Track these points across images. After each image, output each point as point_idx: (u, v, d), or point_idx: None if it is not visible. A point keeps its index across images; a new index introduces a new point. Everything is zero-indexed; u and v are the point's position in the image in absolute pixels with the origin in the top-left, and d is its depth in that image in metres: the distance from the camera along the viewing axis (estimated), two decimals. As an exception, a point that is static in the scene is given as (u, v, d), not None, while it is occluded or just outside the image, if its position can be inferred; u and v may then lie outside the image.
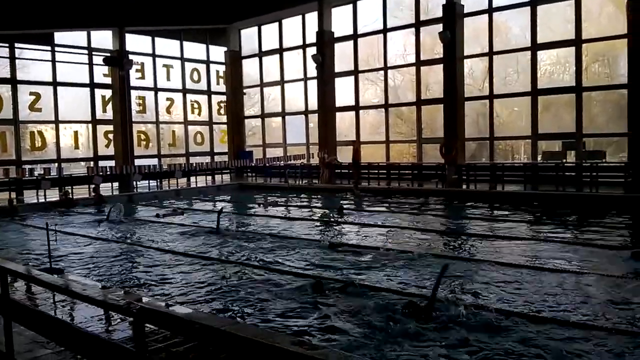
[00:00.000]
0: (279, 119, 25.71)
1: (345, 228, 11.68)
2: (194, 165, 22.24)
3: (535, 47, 17.98)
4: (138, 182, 20.01)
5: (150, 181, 20.58)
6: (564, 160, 17.01)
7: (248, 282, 7.14)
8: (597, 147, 17.47)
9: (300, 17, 23.83)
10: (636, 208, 12.62)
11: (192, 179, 22.56)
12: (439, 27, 19.10)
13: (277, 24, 24.71)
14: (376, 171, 20.75)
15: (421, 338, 5.06)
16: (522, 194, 15.32)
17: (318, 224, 12.24)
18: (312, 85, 23.49)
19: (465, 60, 19.51)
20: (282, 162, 22.68)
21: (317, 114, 23.06)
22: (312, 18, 23.07)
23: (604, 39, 16.98)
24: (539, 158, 17.98)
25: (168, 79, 24.46)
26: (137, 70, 23.10)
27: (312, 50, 22.92)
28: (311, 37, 23.19)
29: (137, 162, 21.64)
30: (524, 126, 18.70)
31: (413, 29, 20.73)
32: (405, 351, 4.82)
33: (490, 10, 18.68)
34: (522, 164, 19.05)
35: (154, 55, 23.89)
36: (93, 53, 21.84)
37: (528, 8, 17.89)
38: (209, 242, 10.07)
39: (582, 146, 16.97)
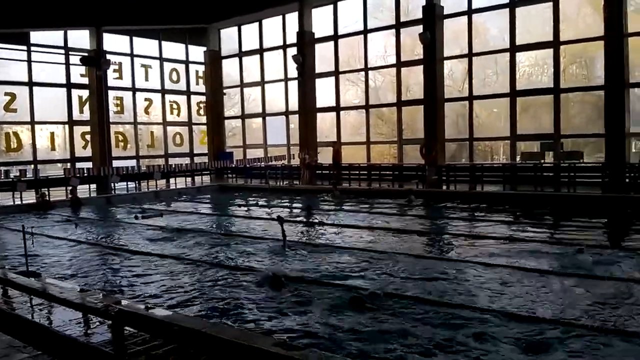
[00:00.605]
0: (260, 119, 25.61)
1: (301, 228, 11.87)
2: (173, 166, 22.01)
3: (514, 48, 18.17)
4: (116, 184, 19.76)
5: (129, 183, 20.34)
6: (542, 161, 17.22)
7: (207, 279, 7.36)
8: (575, 148, 17.72)
9: (280, 17, 23.77)
10: (613, 207, 12.81)
11: (172, 180, 22.35)
12: (419, 28, 19.21)
13: (257, 24, 24.62)
14: (357, 172, 20.79)
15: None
16: (500, 194, 15.46)
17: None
18: (293, 85, 23.45)
19: (445, 62, 19.65)
20: (262, 163, 22.60)
21: (297, 115, 23.03)
22: (292, 18, 23.03)
23: (581, 40, 17.25)
24: (518, 159, 18.18)
25: (146, 79, 24.19)
26: (114, 71, 22.80)
27: (292, 51, 22.89)
28: (292, 38, 23.15)
29: (115, 163, 21.35)
30: (503, 127, 18.90)
31: (393, 30, 20.82)
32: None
33: (470, 12, 18.84)
34: (501, 164, 19.25)
35: (132, 55, 23.62)
36: (70, 53, 21.50)
37: (507, 10, 18.08)
38: (189, 244, 9.97)
39: (560, 147, 17.20)
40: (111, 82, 22.43)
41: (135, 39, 23.56)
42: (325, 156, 22.10)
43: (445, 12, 19.27)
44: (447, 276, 7.15)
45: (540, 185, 15.92)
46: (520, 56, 18.60)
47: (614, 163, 15.53)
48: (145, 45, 24.14)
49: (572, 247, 8.48)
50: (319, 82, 22.88)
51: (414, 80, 20.78)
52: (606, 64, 15.90)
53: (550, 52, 17.60)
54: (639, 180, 14.61)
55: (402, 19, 20.54)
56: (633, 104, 16.43)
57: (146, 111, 24.47)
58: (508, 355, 4.65)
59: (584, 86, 17.84)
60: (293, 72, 23.14)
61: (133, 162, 22.78)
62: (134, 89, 23.73)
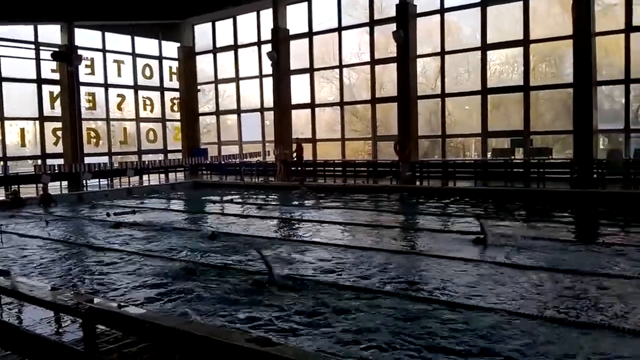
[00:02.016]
0: (234, 116, 25.52)
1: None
2: (147, 163, 21.80)
3: (485, 47, 18.47)
4: (88, 181, 19.49)
5: (101, 180, 20.07)
6: (513, 157, 17.56)
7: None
8: (544, 145, 18.08)
9: (255, 13, 23.70)
10: (581, 202, 13.14)
11: (145, 177, 22.11)
12: (393, 26, 19.37)
13: (231, 20, 24.51)
14: (332, 168, 20.88)
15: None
16: (472, 190, 15.72)
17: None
18: (268, 82, 23.42)
19: (418, 60, 19.86)
20: (237, 159, 22.52)
21: (272, 112, 23.02)
22: (267, 15, 22.98)
23: (550, 39, 17.60)
24: (489, 155, 18.48)
25: (119, 74, 23.91)
26: (86, 66, 22.51)
27: (267, 48, 22.84)
28: (266, 34, 23.10)
29: (87, 160, 21.09)
30: (475, 124, 19.18)
31: (367, 28, 20.95)
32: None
33: (442, 11, 19.06)
34: (473, 160, 19.53)
35: (104, 51, 23.30)
36: (40, 48, 21.12)
37: (478, 9, 18.36)
38: (160, 241, 9.92)
39: (530, 143, 17.55)
40: (83, 77, 22.13)
41: (107, 34, 23.27)
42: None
43: (418, 10, 19.47)
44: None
45: (511, 181, 16.22)
46: (491, 54, 18.90)
47: (582, 159, 15.90)
48: (118, 41, 23.86)
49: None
50: (293, 78, 22.90)
51: (388, 78, 20.94)
52: (574, 62, 16.26)
53: (520, 50, 17.94)
54: (607, 176, 14.98)
55: (376, 17, 20.68)
56: (600, 101, 16.86)
57: (119, 107, 24.19)
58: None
59: (553, 84, 18.18)
60: (268, 68, 23.11)
61: (105, 159, 22.51)
62: (106, 85, 23.42)
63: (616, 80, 16.62)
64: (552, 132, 18.91)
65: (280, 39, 22.32)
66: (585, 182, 15.26)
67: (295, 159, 20.83)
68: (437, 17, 19.24)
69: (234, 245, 9.20)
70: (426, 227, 10.68)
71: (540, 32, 17.61)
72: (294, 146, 21.14)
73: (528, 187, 15.49)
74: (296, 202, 15.67)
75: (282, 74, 22.42)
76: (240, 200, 16.60)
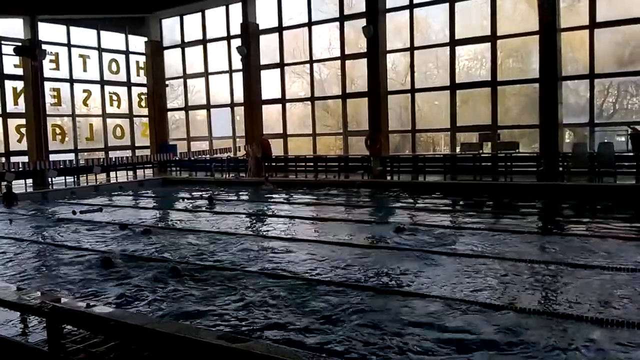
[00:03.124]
0: (204, 111, 25.25)
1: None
2: (114, 159, 21.41)
3: (453, 42, 18.65)
4: (53, 179, 19.07)
5: (67, 177, 19.65)
6: (481, 151, 17.81)
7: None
8: (512, 139, 18.38)
9: (224, 7, 23.44)
10: (547, 195, 13.41)
11: (112, 174, 21.74)
12: (363, 21, 19.40)
13: (200, 14, 24.20)
14: (303, 164, 20.88)
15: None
16: (442, 184, 15.91)
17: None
18: (238, 77, 23.22)
19: (388, 55, 19.95)
20: (208, 155, 22.31)
21: (243, 107, 22.85)
22: (236, 9, 22.75)
23: (517, 35, 17.86)
24: (458, 149, 18.71)
25: (85, 69, 23.40)
26: (51, 61, 21.94)
27: (236, 42, 22.64)
28: (236, 29, 22.89)
29: (52, 157, 20.56)
30: (444, 119, 19.38)
31: (337, 23, 20.94)
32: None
33: (412, 6, 19.17)
34: (442, 155, 19.75)
35: (69, 45, 22.77)
36: (2, 43, 20.50)
37: (447, 5, 18.51)
38: (128, 240, 9.77)
39: (497, 137, 17.82)
40: (47, 73, 21.56)
41: (72, 28, 22.72)
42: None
43: (388, 6, 19.54)
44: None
45: (479, 175, 16.46)
46: (459, 50, 19.10)
47: (548, 153, 16.23)
48: (83, 35, 23.33)
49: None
50: (264, 73, 22.75)
51: (359, 73, 20.98)
52: (540, 58, 16.55)
53: (488, 46, 18.18)
54: (572, 169, 15.31)
55: (346, 12, 20.67)
56: (566, 96, 17.20)
57: (85, 103, 23.69)
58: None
59: (519, 79, 18.47)
60: (238, 63, 22.91)
61: (71, 156, 22.03)
62: (71, 80, 22.91)
63: (581, 75, 16.99)
64: (519, 126, 19.23)
65: (250, 33, 22.15)
66: (551, 175, 15.59)
67: (259, 156, 20.67)
68: (407, 12, 19.34)
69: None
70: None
71: (507, 28, 17.87)
72: (257, 144, 21.01)
73: (496, 181, 15.75)
74: (250, 197, 16.14)
75: (252, 69, 22.26)
76: (202, 195, 16.66)
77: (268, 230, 10.50)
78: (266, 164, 20.52)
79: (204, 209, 13.78)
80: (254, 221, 11.91)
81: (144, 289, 6.48)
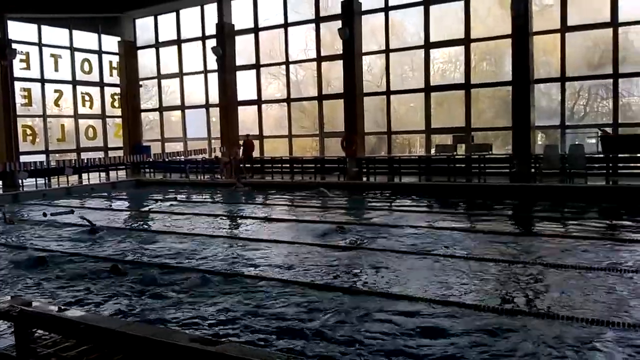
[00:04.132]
0: (179, 112, 25.00)
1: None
2: (86, 161, 21.05)
3: (428, 45, 18.81)
4: (24, 180, 18.67)
5: (38, 179, 19.25)
6: (455, 153, 17.99)
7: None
8: (485, 141, 18.61)
9: (199, 8, 23.26)
10: (519, 196, 13.61)
11: (84, 175, 21.38)
12: (339, 23, 19.43)
13: (174, 14, 23.96)
14: (279, 165, 20.82)
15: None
16: (416, 185, 16.03)
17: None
18: (213, 78, 23.06)
19: (364, 57, 20.02)
20: (182, 157, 22.08)
21: (218, 108, 22.70)
22: (211, 9, 22.60)
23: (490, 38, 18.10)
24: (433, 151, 18.87)
25: (56, 69, 22.97)
26: (21, 60, 21.51)
27: (212, 43, 22.47)
28: (211, 29, 22.73)
29: (23, 158, 20.17)
30: (419, 121, 19.52)
31: (313, 25, 20.94)
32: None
33: (387, 9, 19.29)
34: (417, 156, 19.90)
35: (40, 45, 22.34)
36: (-31, 41, 20.03)
37: (422, 8, 18.67)
38: (98, 241, 9.63)
39: (471, 139, 18.03)
40: (18, 72, 21.17)
41: (43, 27, 22.33)
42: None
43: (364, 8, 19.63)
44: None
45: (454, 176, 16.62)
46: (434, 53, 19.28)
47: (520, 154, 16.47)
48: (55, 34, 22.92)
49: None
50: (240, 74, 22.63)
51: (335, 75, 21.02)
52: (513, 61, 16.78)
53: (462, 49, 18.39)
54: (544, 171, 15.56)
55: (322, 14, 20.69)
56: (538, 99, 17.47)
57: (56, 103, 23.27)
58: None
59: (493, 82, 18.71)
60: (213, 64, 22.76)
61: (42, 157, 21.61)
62: (42, 80, 22.48)
63: (553, 78, 17.29)
64: (492, 128, 19.51)
65: (226, 34, 22.01)
66: (524, 176, 15.82)
67: (242, 156, 20.53)
68: (382, 15, 19.44)
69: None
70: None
71: (480, 32, 18.10)
72: (240, 144, 20.90)
73: (470, 182, 15.92)
74: (215, 199, 16.28)
75: (227, 69, 22.13)
76: (172, 197, 16.66)
77: (218, 230, 10.80)
78: (247, 165, 20.41)
79: (166, 209, 13.89)
80: (204, 221, 11.90)
81: (76, 285, 6.79)
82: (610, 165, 15.43)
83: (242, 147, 20.66)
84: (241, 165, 20.19)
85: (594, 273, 6.45)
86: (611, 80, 16.35)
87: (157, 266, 7.63)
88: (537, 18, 16.97)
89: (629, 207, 11.53)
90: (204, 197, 16.97)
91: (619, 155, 15.37)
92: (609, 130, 16.10)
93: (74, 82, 23.60)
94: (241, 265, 7.65)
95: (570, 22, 16.46)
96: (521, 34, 16.46)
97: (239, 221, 11.95)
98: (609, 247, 7.91)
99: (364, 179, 18.30)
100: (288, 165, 20.78)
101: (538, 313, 5.23)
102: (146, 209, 14.59)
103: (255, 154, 21.76)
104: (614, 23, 15.87)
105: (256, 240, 9.24)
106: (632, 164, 15.58)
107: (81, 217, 10.79)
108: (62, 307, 5.24)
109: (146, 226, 11.80)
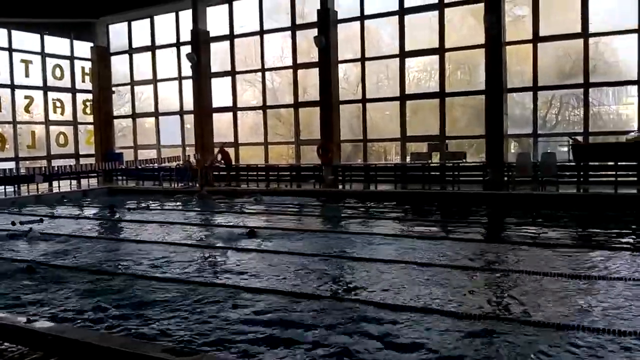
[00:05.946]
0: (152, 119, 24.72)
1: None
2: (57, 168, 20.63)
3: (403, 54, 18.97)
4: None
5: (7, 187, 18.79)
6: (430, 161, 18.14)
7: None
8: (459, 149, 18.80)
9: (173, 14, 23.10)
10: (492, 204, 13.75)
11: (55, 183, 20.95)
12: (315, 31, 19.49)
13: (149, 20, 23.74)
14: (255, 173, 20.71)
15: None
16: (391, 193, 16.09)
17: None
18: (188, 85, 22.87)
19: (340, 65, 20.08)
20: (156, 164, 21.80)
21: (193, 115, 22.51)
22: (186, 16, 22.46)
23: (464, 48, 18.33)
24: (408, 159, 18.99)
25: (27, 75, 22.53)
26: (-10, 66, 21.09)
27: (186, 49, 22.31)
28: (186, 36, 22.57)
29: (-9, 165, 19.69)
30: (394, 129, 19.64)
31: (289, 32, 20.95)
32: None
33: (362, 18, 19.40)
34: (393, 164, 20.00)
35: (10, 50, 21.90)
36: None
37: (396, 17, 18.84)
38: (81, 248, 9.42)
39: (445, 147, 18.20)
40: (-14, 78, 20.72)
41: (14, 32, 21.91)
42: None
43: (339, 17, 19.72)
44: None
45: (429, 184, 16.74)
46: (409, 62, 19.44)
47: (493, 162, 16.68)
48: (26, 39, 22.52)
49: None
50: (215, 81, 22.50)
51: (311, 82, 21.04)
52: (487, 70, 17.03)
53: (436, 58, 18.58)
54: (517, 179, 15.77)
55: (298, 22, 20.72)
56: (511, 107, 17.74)
57: (26, 110, 22.81)
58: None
59: (466, 91, 18.94)
60: (187, 70, 22.58)
61: (12, 164, 21.11)
62: (12, 86, 22.04)
63: (525, 87, 17.55)
64: (466, 136, 19.73)
65: (201, 40, 21.88)
66: (497, 184, 16.01)
67: (221, 163, 20.32)
68: (358, 24, 19.55)
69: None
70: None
71: (455, 41, 18.32)
72: (216, 151, 20.71)
73: (444, 190, 16.04)
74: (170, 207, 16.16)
75: (202, 76, 21.98)
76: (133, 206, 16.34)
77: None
78: (224, 173, 20.34)
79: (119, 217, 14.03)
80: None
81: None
82: (582, 173, 15.72)
83: (219, 155, 20.44)
84: (220, 174, 20.07)
85: (561, 280, 6.52)
86: (582, 90, 16.67)
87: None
88: (510, 28, 17.26)
89: (599, 215, 11.73)
90: (167, 205, 16.69)
91: (590, 164, 15.68)
92: (580, 138, 16.41)
93: (45, 88, 23.19)
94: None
95: (543, 32, 16.77)
96: (494, 44, 16.72)
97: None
98: (578, 255, 8.00)
99: (340, 186, 18.31)
100: (264, 172, 20.67)
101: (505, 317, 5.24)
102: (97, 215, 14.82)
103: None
104: (585, 34, 16.22)
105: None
106: (602, 172, 15.87)
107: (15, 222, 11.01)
108: (31, 319, 5.10)
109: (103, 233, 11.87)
